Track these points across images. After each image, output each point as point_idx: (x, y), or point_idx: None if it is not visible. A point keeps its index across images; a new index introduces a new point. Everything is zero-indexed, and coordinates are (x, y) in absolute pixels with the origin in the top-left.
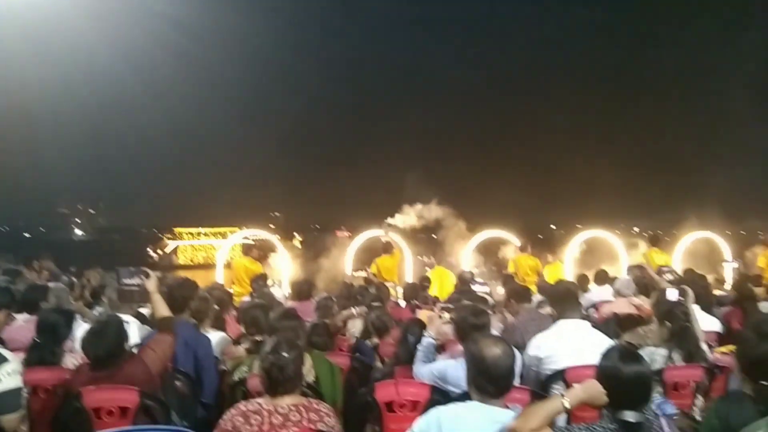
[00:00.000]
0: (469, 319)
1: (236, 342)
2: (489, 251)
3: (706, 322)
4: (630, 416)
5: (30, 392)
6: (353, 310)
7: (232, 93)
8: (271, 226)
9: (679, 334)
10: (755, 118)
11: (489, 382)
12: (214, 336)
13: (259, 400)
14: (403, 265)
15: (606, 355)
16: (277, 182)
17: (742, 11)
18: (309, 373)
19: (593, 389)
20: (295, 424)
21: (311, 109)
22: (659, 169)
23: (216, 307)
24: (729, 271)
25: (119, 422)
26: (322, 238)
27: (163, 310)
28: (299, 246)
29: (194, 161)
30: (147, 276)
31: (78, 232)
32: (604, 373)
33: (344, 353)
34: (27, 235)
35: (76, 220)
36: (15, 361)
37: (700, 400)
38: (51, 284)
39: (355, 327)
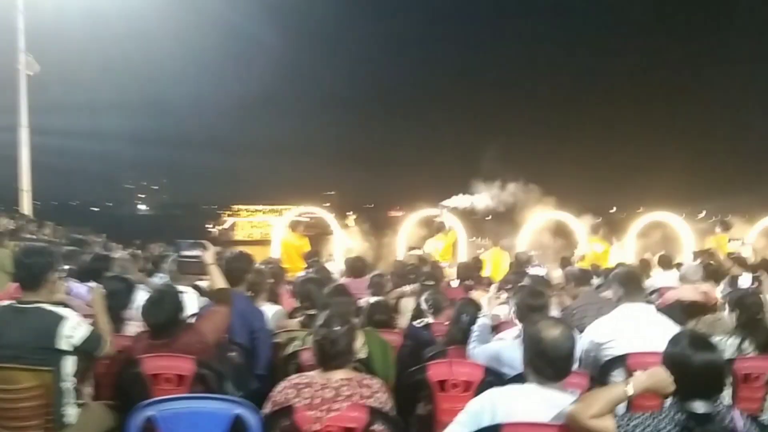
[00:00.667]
0: (528, 300)
1: (291, 315)
2: (549, 233)
3: None
4: (700, 407)
5: None
6: (406, 288)
7: (290, 70)
8: (326, 204)
9: (751, 324)
10: None
11: (547, 365)
12: (269, 309)
13: (311, 373)
14: (458, 246)
15: (674, 341)
16: (333, 160)
17: None
18: (362, 349)
19: (660, 376)
20: (347, 399)
21: (369, 84)
22: (732, 150)
23: (271, 280)
24: None
25: (176, 389)
26: (377, 217)
27: (220, 282)
28: (353, 224)
29: (252, 139)
30: (205, 248)
31: (142, 207)
32: (672, 359)
33: (397, 331)
34: (95, 209)
35: (141, 195)
36: (73, 315)
37: None
38: (117, 254)
39: (408, 305)
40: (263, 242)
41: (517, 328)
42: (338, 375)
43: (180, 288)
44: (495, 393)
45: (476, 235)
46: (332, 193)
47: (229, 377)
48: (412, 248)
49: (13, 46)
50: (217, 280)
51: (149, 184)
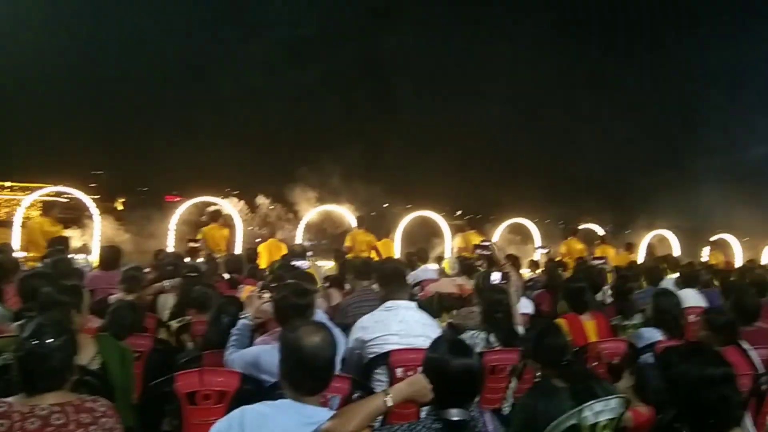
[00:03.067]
0: (291, 299)
1: (17, 317)
2: (325, 226)
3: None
4: (455, 414)
5: None
6: (166, 283)
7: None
8: (92, 185)
9: (495, 318)
10: (576, 108)
11: (306, 377)
12: None
13: (10, 399)
14: (234, 237)
15: (434, 346)
16: (102, 135)
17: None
18: (93, 360)
19: (419, 384)
20: (58, 429)
21: (150, 58)
22: (483, 156)
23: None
24: (540, 256)
25: None
26: (151, 202)
27: None
28: (121, 209)
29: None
30: None
31: None
32: (431, 366)
33: (147, 334)
34: None
35: None
36: None
37: (514, 383)
38: None
39: (167, 302)
40: (7, 224)
41: (279, 330)
42: (49, 399)
43: None
44: (245, 411)
45: (258, 224)
46: (101, 172)
47: None
48: (191, 239)
49: None
50: None
51: None
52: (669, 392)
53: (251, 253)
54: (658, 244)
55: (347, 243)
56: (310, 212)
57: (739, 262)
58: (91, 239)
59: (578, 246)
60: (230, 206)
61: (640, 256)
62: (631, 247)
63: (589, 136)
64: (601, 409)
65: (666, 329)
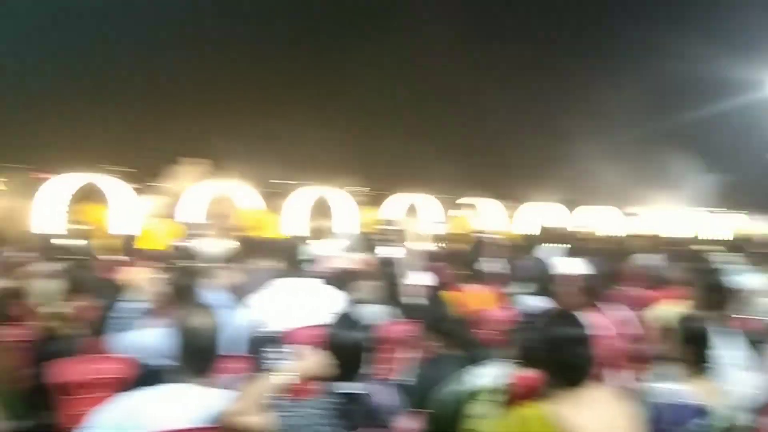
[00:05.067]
0: (182, 281)
1: None
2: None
3: (422, 277)
4: (346, 387)
5: None
6: (40, 268)
7: None
8: None
9: (394, 291)
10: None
11: (192, 358)
12: None
13: None
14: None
15: (332, 322)
16: None
17: None
18: None
19: (313, 359)
20: None
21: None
22: (383, 130)
23: None
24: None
25: None
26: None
27: None
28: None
29: None
30: None
31: None
32: (326, 341)
33: (22, 323)
34: None
35: None
36: None
37: (411, 353)
38: None
39: (41, 289)
40: None
41: (169, 313)
42: None
43: None
44: (134, 398)
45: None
46: None
47: None
48: (76, 221)
49: None
50: None
51: None
52: (537, 353)
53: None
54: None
55: (239, 220)
56: (201, 189)
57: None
58: None
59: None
60: (106, 183)
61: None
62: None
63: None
64: (482, 375)
65: (546, 296)
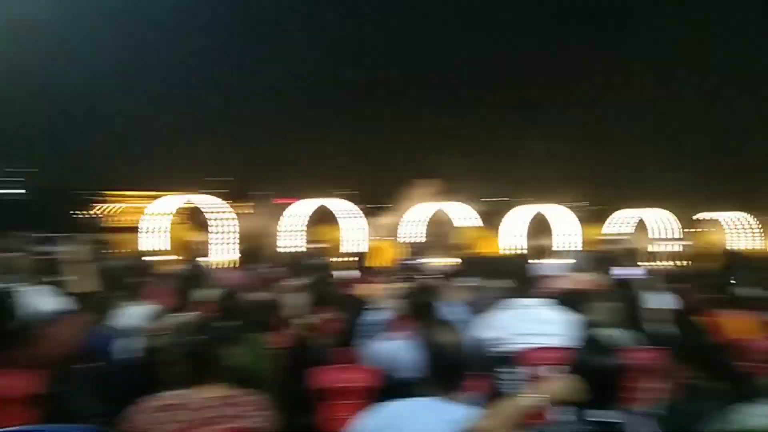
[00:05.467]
0: (420, 297)
1: (165, 315)
2: (440, 224)
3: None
4: (607, 415)
5: None
6: (294, 282)
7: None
8: (221, 190)
9: (635, 315)
10: None
11: (442, 374)
12: (139, 310)
13: (183, 391)
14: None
15: (583, 345)
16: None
17: None
18: (237, 357)
19: (570, 384)
20: (211, 421)
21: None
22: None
23: (140, 278)
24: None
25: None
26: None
27: (87, 284)
28: (251, 212)
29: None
30: (74, 242)
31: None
32: (577, 365)
33: (282, 333)
34: None
35: (21, 179)
36: None
37: (660, 383)
38: None
39: (294, 301)
40: (136, 229)
41: (411, 327)
42: (204, 393)
43: (34, 289)
44: (385, 408)
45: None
46: (231, 178)
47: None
48: (311, 239)
49: None
50: (82, 282)
51: (24, 167)
52: None
53: (361, 253)
54: None
55: (458, 239)
56: (424, 208)
57: None
58: (220, 242)
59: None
60: (337, 205)
61: None
62: None
63: None
64: (756, 414)
65: None
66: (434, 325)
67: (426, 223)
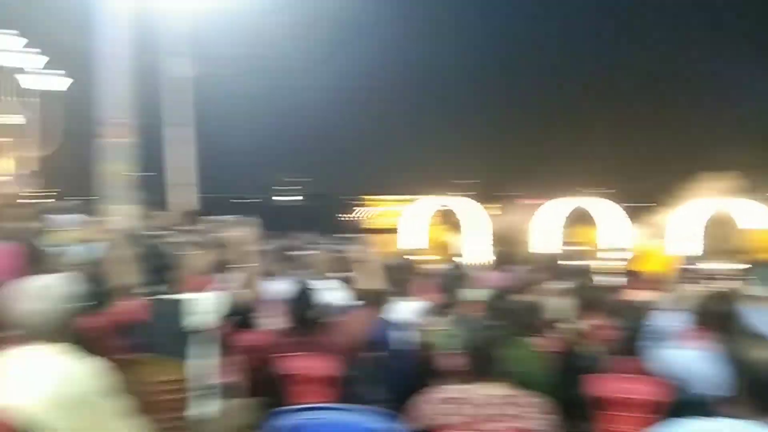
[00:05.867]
0: (719, 305)
1: (436, 311)
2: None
3: None
4: None
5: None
6: (554, 286)
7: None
8: (469, 192)
9: None
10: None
11: (754, 394)
12: (412, 305)
13: (466, 386)
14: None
15: None
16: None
17: None
18: (511, 358)
19: None
20: (493, 418)
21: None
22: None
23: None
24: None
25: (317, 391)
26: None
27: (373, 282)
28: (500, 213)
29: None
30: (359, 243)
31: (288, 198)
32: None
33: (547, 337)
34: (247, 200)
35: (287, 188)
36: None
37: None
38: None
39: (554, 306)
40: (392, 231)
41: (703, 338)
42: (487, 390)
43: (325, 284)
44: (684, 426)
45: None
46: (477, 181)
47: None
48: (568, 242)
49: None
50: (369, 279)
51: (298, 177)
52: None
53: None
54: None
55: (744, 241)
56: (703, 207)
57: None
58: (474, 243)
59: None
60: (596, 205)
61: None
62: None
63: None
64: None
65: None
66: (743, 337)
67: (705, 223)
